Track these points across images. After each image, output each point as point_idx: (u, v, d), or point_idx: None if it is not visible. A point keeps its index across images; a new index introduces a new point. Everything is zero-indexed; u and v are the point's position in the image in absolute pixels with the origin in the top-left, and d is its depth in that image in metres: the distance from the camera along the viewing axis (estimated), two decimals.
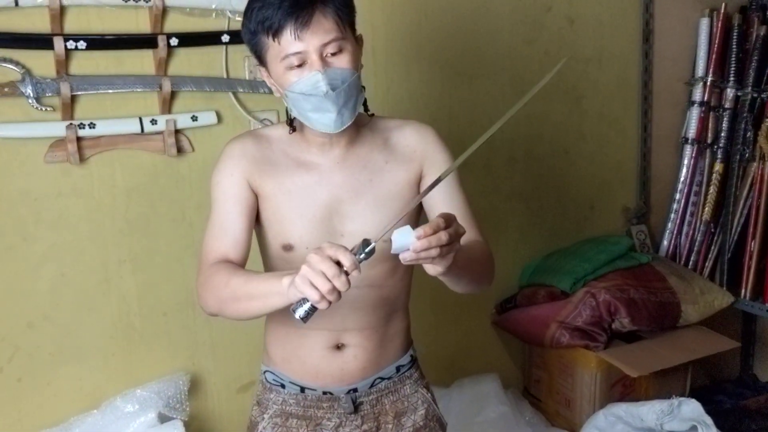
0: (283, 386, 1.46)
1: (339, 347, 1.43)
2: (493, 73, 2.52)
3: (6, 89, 1.79)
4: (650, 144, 2.86)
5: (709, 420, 2.12)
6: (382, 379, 1.48)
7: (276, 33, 1.22)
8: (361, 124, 1.39)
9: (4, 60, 1.79)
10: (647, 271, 2.57)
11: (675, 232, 2.88)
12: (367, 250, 1.07)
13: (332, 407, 1.45)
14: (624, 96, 2.80)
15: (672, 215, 2.88)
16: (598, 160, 2.80)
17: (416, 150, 1.40)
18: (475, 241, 1.38)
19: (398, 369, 1.51)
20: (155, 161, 2.01)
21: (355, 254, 1.06)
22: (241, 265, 1.34)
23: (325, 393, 1.44)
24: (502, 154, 2.60)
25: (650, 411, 2.31)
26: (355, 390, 1.45)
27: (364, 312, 1.42)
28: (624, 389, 2.53)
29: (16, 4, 1.76)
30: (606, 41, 2.72)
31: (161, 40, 1.90)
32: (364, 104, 1.36)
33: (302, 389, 1.45)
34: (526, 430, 2.43)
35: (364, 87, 1.33)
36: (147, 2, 1.89)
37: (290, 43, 1.22)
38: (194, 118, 2.01)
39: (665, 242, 2.89)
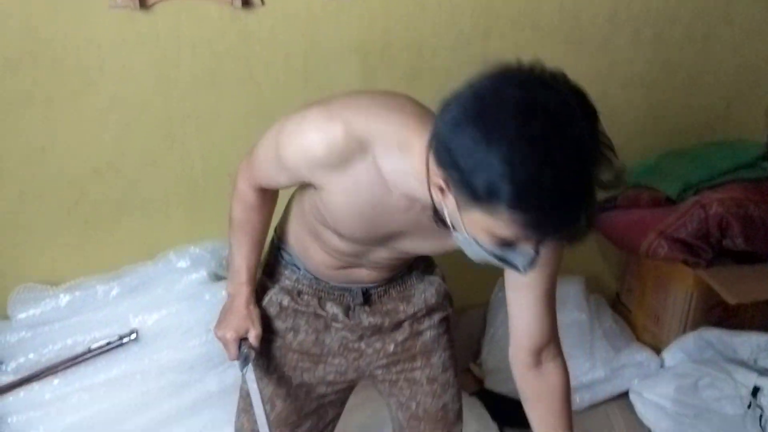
0: (297, 268, 1.43)
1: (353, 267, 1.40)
2: None
3: None
4: None
5: None
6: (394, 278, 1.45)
7: (533, 232, 0.90)
8: None
9: None
10: None
11: None
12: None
13: (343, 295, 1.42)
14: None
15: None
16: (744, 50, 2.39)
17: None
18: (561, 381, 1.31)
19: (410, 268, 1.47)
20: (222, 13, 1.89)
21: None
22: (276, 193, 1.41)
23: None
24: (626, 32, 2.26)
25: (746, 342, 2.07)
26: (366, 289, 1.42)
27: (386, 269, 1.39)
28: (723, 314, 2.26)
29: None
30: None
31: None
32: None
33: (316, 278, 1.42)
34: (601, 342, 2.25)
35: None
36: None
37: (526, 239, 0.93)
38: None
39: None
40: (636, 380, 2.23)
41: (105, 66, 1.88)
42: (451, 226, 1.00)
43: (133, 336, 1.86)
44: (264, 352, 1.45)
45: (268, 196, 1.38)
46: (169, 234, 2.05)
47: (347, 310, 1.42)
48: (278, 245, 1.47)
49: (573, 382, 2.18)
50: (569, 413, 1.30)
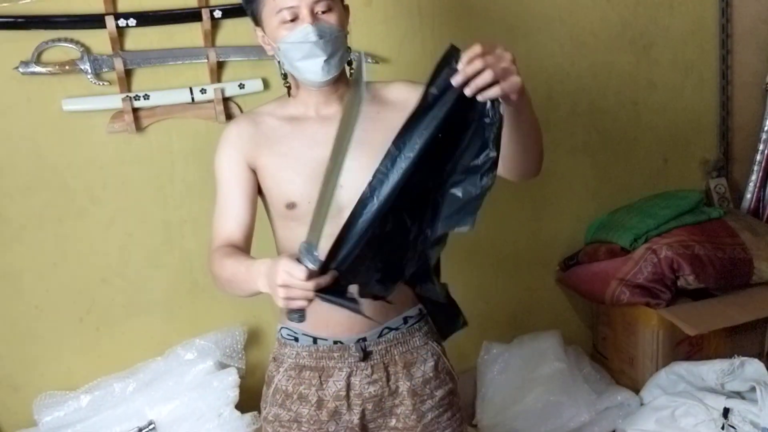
0: (296, 339, 1.55)
1: None
2: (550, 26, 2.45)
3: (67, 66, 1.97)
4: (730, 92, 2.70)
5: None
6: (390, 329, 1.53)
7: None
8: (351, 85, 1.45)
9: (65, 40, 1.96)
10: (717, 227, 2.46)
11: (758, 185, 2.72)
12: (311, 255, 1.15)
13: (343, 356, 1.52)
14: (699, 41, 2.65)
15: (755, 167, 2.73)
16: (671, 111, 2.67)
17: (408, 98, 1.42)
18: None
19: (406, 320, 1.55)
20: (208, 127, 2.14)
21: (300, 261, 1.15)
22: (246, 241, 1.47)
23: (335, 343, 1.51)
24: (563, 107, 2.54)
25: (711, 370, 2.25)
26: (364, 339, 1.51)
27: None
28: (690, 348, 2.46)
29: None
30: None
31: (205, 13, 2.01)
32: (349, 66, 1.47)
33: (314, 340, 1.52)
34: (582, 387, 2.42)
35: (350, 49, 1.44)
36: None
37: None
38: (241, 86, 2.11)
39: (748, 196, 2.75)
40: (620, 420, 2.40)
41: (107, 184, 2.11)
42: (270, 49, 1.42)
43: (151, 427, 2.01)
44: None
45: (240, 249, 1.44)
46: (175, 329, 2.22)
47: (348, 380, 1.50)
48: (279, 327, 1.59)
49: (562, 428, 2.35)
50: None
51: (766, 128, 2.68)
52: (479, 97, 1.15)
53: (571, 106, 2.55)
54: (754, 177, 2.73)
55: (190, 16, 2.04)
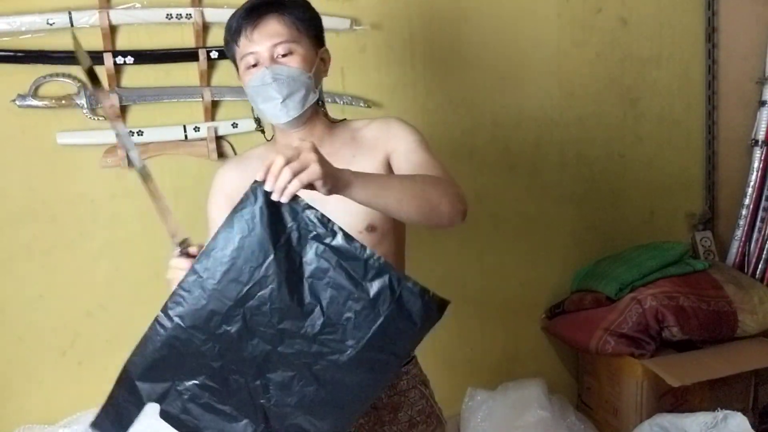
0: None
1: None
2: (540, 77, 2.51)
3: (64, 101, 2.00)
4: (716, 147, 2.74)
5: None
6: None
7: (235, 36, 1.42)
8: (331, 128, 1.52)
9: (62, 75, 2.00)
10: (701, 279, 2.47)
11: (743, 239, 2.75)
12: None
13: None
14: (686, 97, 2.70)
15: (740, 221, 2.75)
16: (658, 164, 2.72)
17: (380, 137, 1.48)
18: (424, 174, 1.38)
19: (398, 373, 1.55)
20: (200, 165, 2.17)
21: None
22: None
23: None
24: (551, 157, 2.58)
25: (694, 423, 2.24)
26: None
27: None
28: (675, 400, 2.45)
29: (72, 24, 1.96)
30: (664, 41, 2.64)
31: (201, 54, 2.06)
32: (324, 108, 1.53)
33: None
34: None
35: (320, 91, 1.48)
36: (189, 19, 2.05)
37: (245, 44, 1.41)
38: (235, 125, 2.15)
39: (733, 250, 2.77)
40: None
41: (97, 217, 2.13)
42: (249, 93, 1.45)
43: None
44: None
45: None
46: None
47: None
48: None
49: None
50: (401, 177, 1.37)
51: (751, 183, 2.72)
52: (283, 199, 1.08)
53: (559, 155, 2.59)
54: (739, 231, 2.76)
55: (187, 55, 2.08)
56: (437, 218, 1.29)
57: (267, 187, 1.08)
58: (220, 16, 2.07)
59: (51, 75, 2.00)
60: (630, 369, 2.43)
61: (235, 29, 1.42)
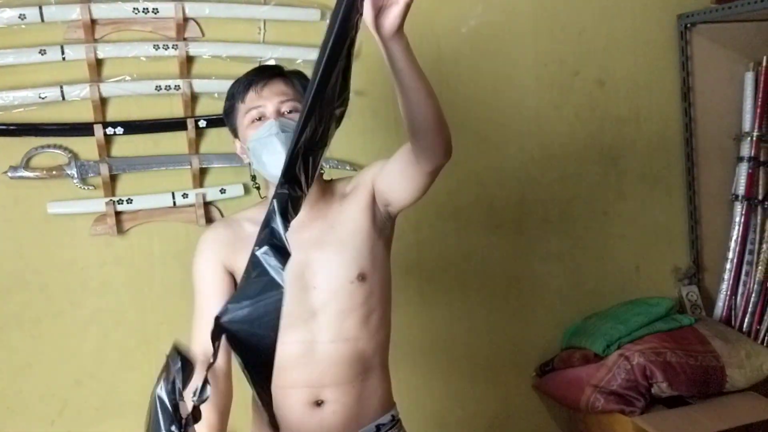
0: None
1: (318, 404, 1.52)
2: (521, 138, 2.57)
3: (54, 172, 2.05)
4: (697, 202, 2.79)
5: None
6: None
7: (243, 92, 1.51)
8: (324, 187, 1.58)
9: (54, 146, 2.05)
10: (688, 334, 2.49)
11: (729, 293, 2.77)
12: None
13: None
14: (666, 154, 2.76)
15: (725, 275, 2.78)
16: (641, 221, 2.76)
17: (358, 183, 1.57)
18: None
19: (378, 428, 1.57)
20: (189, 230, 2.20)
21: None
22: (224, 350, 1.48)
23: None
24: (535, 215, 2.62)
25: None
26: None
27: (341, 367, 1.51)
28: None
29: (63, 98, 2.02)
30: (642, 101, 2.71)
31: (190, 123, 2.12)
32: (322, 170, 1.60)
33: None
34: None
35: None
36: (177, 90, 2.11)
37: (252, 99, 1.50)
38: (223, 191, 2.19)
39: (719, 303, 2.79)
40: None
41: (87, 285, 2.15)
42: (246, 157, 1.54)
43: None
44: None
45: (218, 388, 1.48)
46: None
47: None
48: None
49: None
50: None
51: (733, 237, 2.76)
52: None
53: (543, 213, 2.63)
54: (724, 285, 2.78)
55: (176, 125, 2.14)
56: (443, 129, 1.37)
57: None
58: (208, 86, 2.14)
59: (42, 147, 2.05)
60: (621, 426, 2.42)
61: (244, 85, 1.51)
